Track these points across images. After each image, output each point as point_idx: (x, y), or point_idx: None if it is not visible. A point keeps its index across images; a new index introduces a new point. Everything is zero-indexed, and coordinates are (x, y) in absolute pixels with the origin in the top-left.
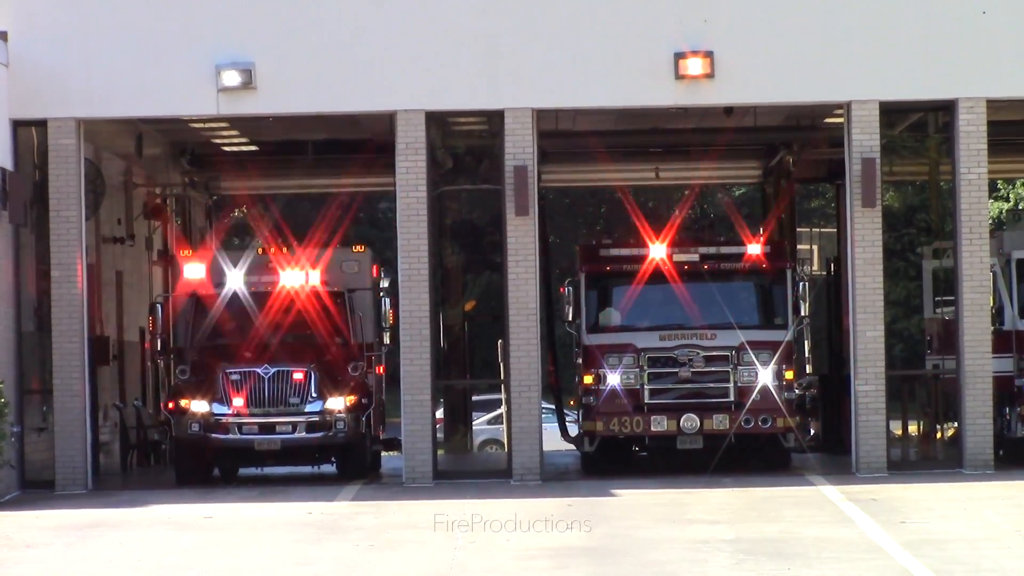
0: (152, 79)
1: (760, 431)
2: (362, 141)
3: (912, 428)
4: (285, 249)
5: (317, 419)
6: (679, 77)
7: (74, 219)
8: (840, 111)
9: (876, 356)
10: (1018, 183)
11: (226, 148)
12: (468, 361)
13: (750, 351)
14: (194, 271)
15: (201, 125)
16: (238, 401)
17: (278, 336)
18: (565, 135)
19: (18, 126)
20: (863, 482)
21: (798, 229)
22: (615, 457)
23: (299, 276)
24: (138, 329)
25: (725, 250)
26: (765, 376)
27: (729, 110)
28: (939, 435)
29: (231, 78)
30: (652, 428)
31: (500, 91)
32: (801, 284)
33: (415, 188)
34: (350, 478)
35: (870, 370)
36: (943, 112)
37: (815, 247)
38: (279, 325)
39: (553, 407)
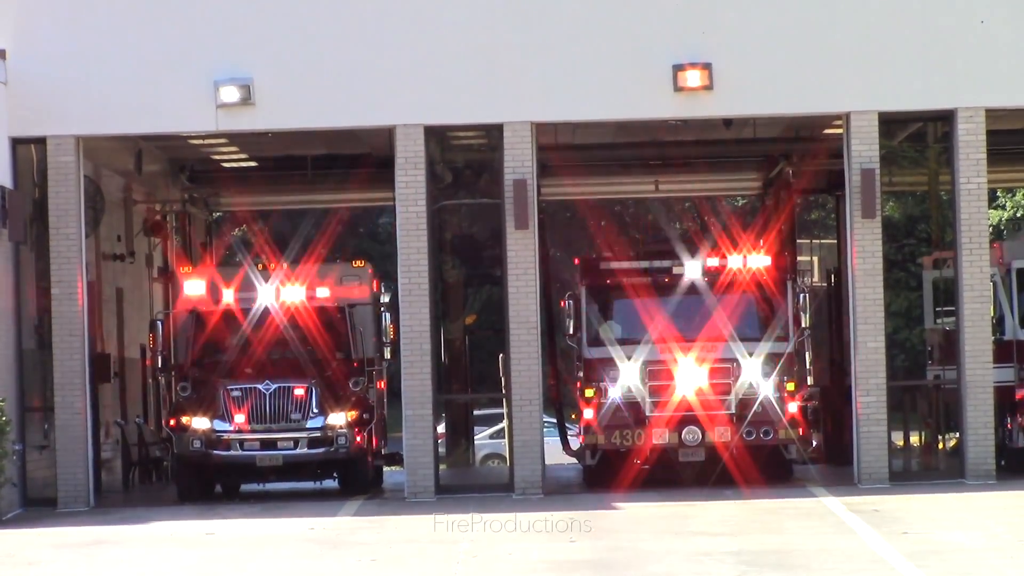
0: (151, 96)
1: (762, 443)
2: (361, 156)
3: (914, 439)
4: (285, 265)
5: (319, 435)
6: (678, 89)
7: (74, 236)
8: (839, 122)
9: (877, 367)
10: (1018, 193)
11: (225, 164)
12: (469, 375)
13: (751, 363)
14: (194, 288)
15: (200, 141)
16: (239, 417)
17: (279, 352)
18: (564, 148)
19: (17, 144)
20: (865, 493)
21: (798, 240)
22: (617, 470)
23: (299, 292)
24: (139, 346)
25: (725, 262)
26: (766, 388)
27: (728, 122)
28: (941, 445)
29: (230, 94)
30: (653, 441)
31: (499, 105)
32: (802, 296)
33: (415, 202)
34: (352, 493)
35: (871, 381)
36: (942, 122)
37: (815, 258)
38: (280, 341)
39: (554, 421)
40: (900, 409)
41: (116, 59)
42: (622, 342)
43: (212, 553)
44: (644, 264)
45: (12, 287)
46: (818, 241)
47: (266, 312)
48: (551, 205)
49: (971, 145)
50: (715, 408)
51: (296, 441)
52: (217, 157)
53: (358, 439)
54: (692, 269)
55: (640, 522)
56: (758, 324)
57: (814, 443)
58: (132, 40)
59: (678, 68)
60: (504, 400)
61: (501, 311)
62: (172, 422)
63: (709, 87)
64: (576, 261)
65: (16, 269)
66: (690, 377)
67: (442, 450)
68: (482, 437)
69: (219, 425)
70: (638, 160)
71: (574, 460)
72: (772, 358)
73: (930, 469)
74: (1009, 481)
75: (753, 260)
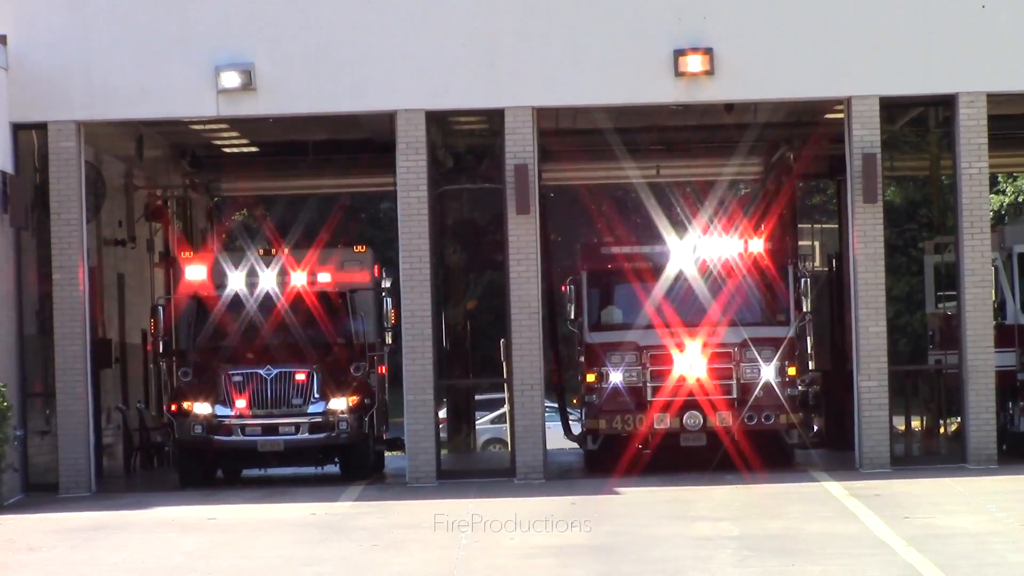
0: (152, 81)
1: (763, 428)
2: (363, 141)
3: (915, 423)
4: (286, 250)
5: (320, 420)
6: (679, 74)
7: (75, 222)
8: (840, 107)
9: (879, 352)
10: (1019, 178)
11: (226, 149)
12: (471, 360)
13: (752, 348)
14: (195, 273)
15: (201, 127)
16: (241, 403)
17: (280, 337)
18: (565, 133)
19: (18, 129)
20: (866, 478)
21: (799, 225)
22: (618, 455)
23: (300, 277)
24: (140, 331)
25: (727, 247)
26: (768, 373)
27: (729, 107)
28: (942, 430)
29: (231, 79)
30: (655, 426)
31: (500, 90)
32: (803, 280)
33: (416, 188)
34: (353, 478)
35: (873, 366)
36: (944, 107)
37: (817, 243)
38: (281, 326)
39: (556, 405)
40: (902, 394)
41: (117, 44)
42: (623, 327)
43: (213, 538)
44: (645, 249)
45: (13, 273)
46: (819, 226)
47: (267, 297)
48: (552, 190)
49: (972, 130)
50: (716, 393)
51: (297, 426)
52: (218, 142)
53: (359, 424)
54: (693, 254)
55: (641, 507)
56: (759, 309)
57: (815, 428)
58: (133, 25)
59: (679, 53)
60: (505, 385)
61: (502, 296)
62: (173, 407)
63: (710, 72)
64: (577, 246)
65: (17, 255)
66: (691, 362)
67: (443, 435)
68: (483, 422)
69: (220, 410)
70: (639, 145)
71: (575, 445)
72: (773, 343)
73: (931, 454)
74: (1011, 466)
75: (754, 245)
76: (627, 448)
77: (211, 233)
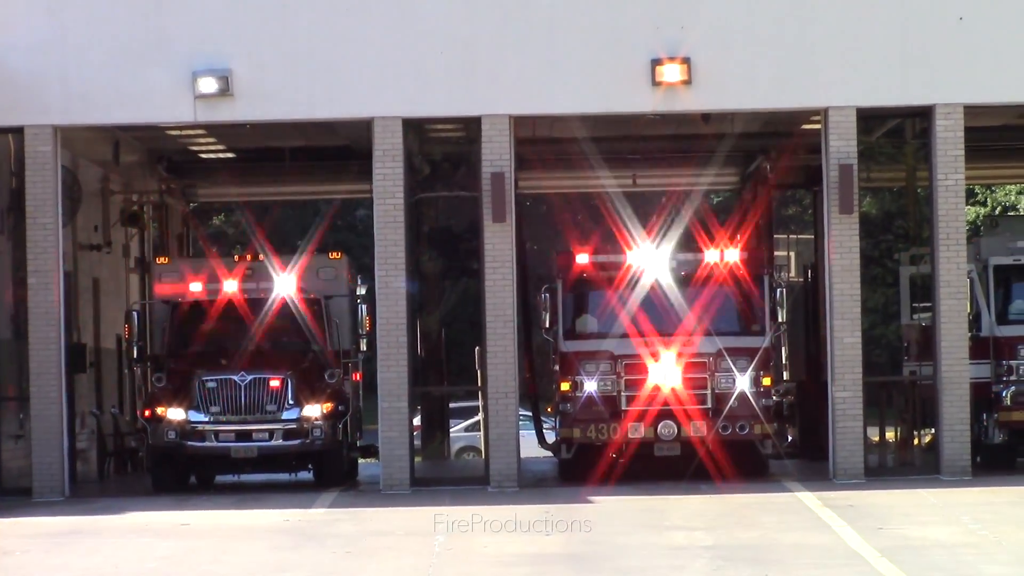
0: (129, 86)
1: (737, 438)
2: (340, 148)
3: (889, 434)
4: (262, 256)
5: (294, 426)
6: (656, 84)
7: (51, 226)
8: (817, 117)
9: (853, 362)
10: (999, 190)
11: (203, 155)
12: (445, 368)
13: (727, 358)
14: (170, 278)
15: (178, 132)
16: (214, 408)
17: (255, 343)
18: (542, 142)
19: None
20: (840, 488)
21: (775, 235)
22: (592, 464)
23: (276, 283)
24: (115, 336)
25: (702, 256)
26: (742, 383)
27: (707, 116)
28: (916, 441)
29: (208, 85)
30: (629, 435)
31: (477, 98)
32: (778, 291)
33: (392, 195)
34: (327, 485)
35: (847, 376)
36: (920, 118)
37: (792, 254)
38: (256, 332)
39: (530, 414)
40: (876, 405)
41: (95, 49)
42: (598, 336)
43: (187, 544)
44: (620, 258)
45: None
46: (795, 236)
47: (242, 303)
48: (528, 199)
49: (949, 141)
50: (691, 402)
51: (271, 432)
52: (195, 148)
53: (333, 431)
54: (669, 263)
55: (615, 516)
56: (734, 319)
57: (790, 438)
58: (111, 30)
59: (656, 62)
60: (480, 393)
61: (478, 304)
62: (147, 413)
63: (688, 82)
64: (553, 254)
65: None
66: (666, 371)
67: (417, 443)
68: (458, 430)
69: (194, 416)
70: (616, 154)
71: (549, 454)
72: (748, 353)
73: (906, 465)
74: (984, 477)
75: (730, 254)
76: (601, 457)
77: (187, 239)
